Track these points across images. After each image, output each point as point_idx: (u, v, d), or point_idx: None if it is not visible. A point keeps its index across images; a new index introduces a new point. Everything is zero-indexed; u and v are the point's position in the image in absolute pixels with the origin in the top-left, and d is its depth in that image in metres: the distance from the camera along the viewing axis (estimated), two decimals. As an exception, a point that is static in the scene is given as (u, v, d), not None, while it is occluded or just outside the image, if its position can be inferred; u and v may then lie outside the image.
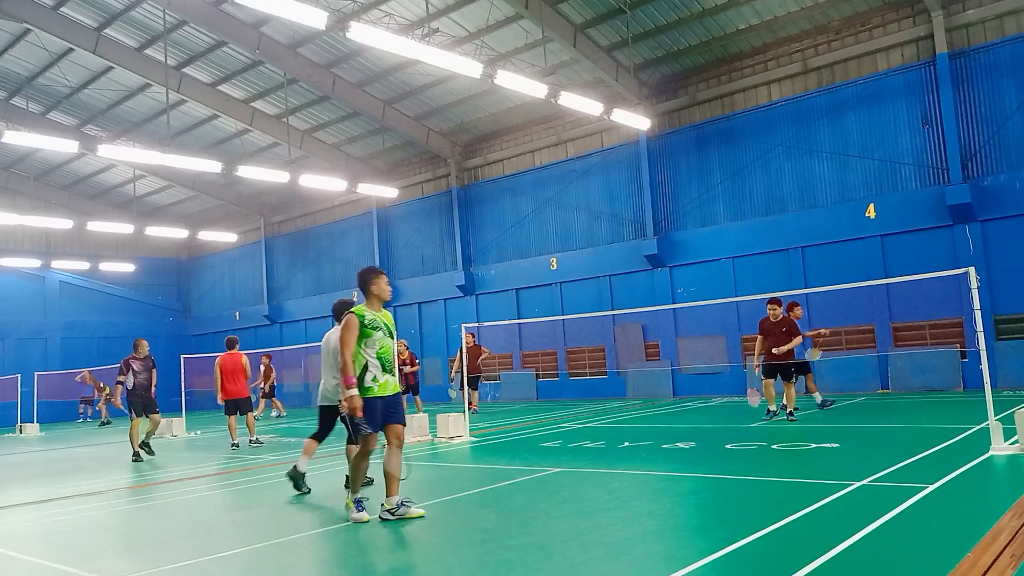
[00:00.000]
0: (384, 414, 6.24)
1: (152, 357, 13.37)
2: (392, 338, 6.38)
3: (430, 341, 26.13)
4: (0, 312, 31.33)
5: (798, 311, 13.03)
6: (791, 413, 11.99)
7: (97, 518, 7.73)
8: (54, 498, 9.00)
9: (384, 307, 6.54)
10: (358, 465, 6.39)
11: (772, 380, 12.30)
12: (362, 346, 6.16)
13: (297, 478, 7.99)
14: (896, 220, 17.50)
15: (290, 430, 17.84)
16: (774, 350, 12.11)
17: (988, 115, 16.59)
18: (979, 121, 16.70)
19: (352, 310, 6.22)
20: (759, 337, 12.47)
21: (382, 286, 6.39)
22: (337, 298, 29.74)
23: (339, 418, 7.68)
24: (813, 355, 13.47)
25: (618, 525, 5.54)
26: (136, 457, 12.49)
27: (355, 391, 6.00)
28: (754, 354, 12.58)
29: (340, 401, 7.48)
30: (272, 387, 23.37)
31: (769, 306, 12.42)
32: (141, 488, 9.49)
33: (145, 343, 13.44)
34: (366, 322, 6.18)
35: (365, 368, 6.17)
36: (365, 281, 6.40)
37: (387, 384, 6.25)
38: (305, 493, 7.91)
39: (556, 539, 5.25)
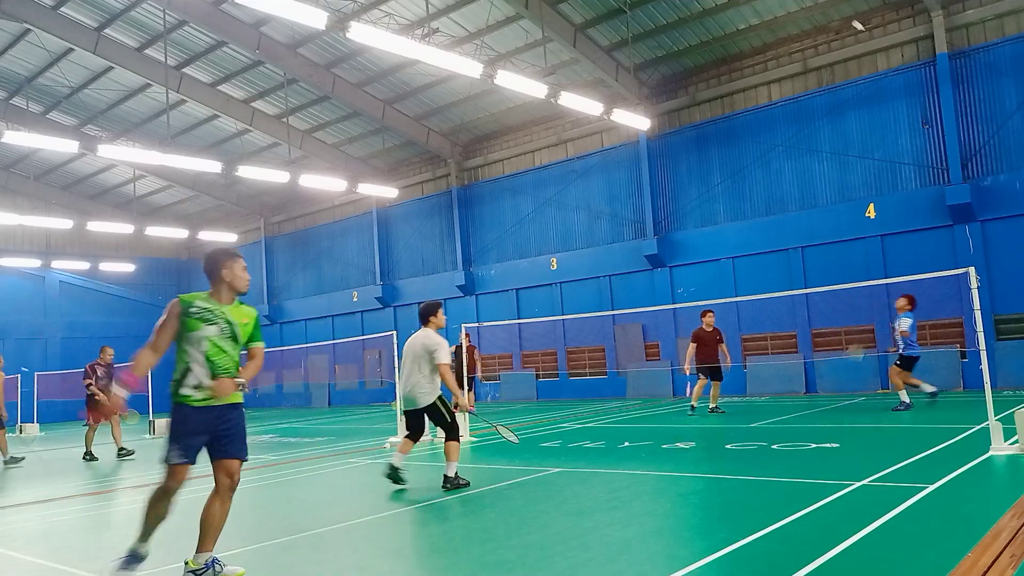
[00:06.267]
0: (212, 438, 4.70)
1: (114, 365, 13.62)
2: (236, 340, 4.81)
3: (430, 341, 26.09)
4: (0, 312, 31.34)
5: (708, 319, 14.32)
6: (715, 408, 13.95)
7: (97, 518, 7.74)
8: (54, 498, 9.00)
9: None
10: (156, 509, 4.81)
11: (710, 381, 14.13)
12: (185, 343, 4.67)
13: (393, 474, 7.92)
14: (896, 220, 17.50)
15: (291, 430, 17.84)
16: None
17: (988, 115, 16.59)
18: (979, 121, 16.70)
19: (181, 295, 4.83)
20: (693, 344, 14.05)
21: (236, 272, 4.88)
22: (337, 298, 29.95)
23: (432, 419, 7.99)
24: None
25: (618, 525, 5.54)
26: (90, 457, 13.03)
27: (123, 392, 4.68)
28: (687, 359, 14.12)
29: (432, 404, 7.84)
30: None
31: (707, 315, 14.21)
32: (141, 488, 9.48)
33: (110, 350, 13.70)
34: (192, 310, 4.68)
35: (187, 371, 4.65)
36: (216, 264, 4.85)
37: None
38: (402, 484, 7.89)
39: (556, 539, 5.25)
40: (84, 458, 13.10)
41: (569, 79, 21.18)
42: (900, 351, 12.77)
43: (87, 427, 13.40)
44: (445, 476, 7.65)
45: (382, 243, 28.65)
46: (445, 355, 7.79)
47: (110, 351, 13.69)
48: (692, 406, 14.11)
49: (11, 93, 24.82)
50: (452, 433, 7.90)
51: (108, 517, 7.78)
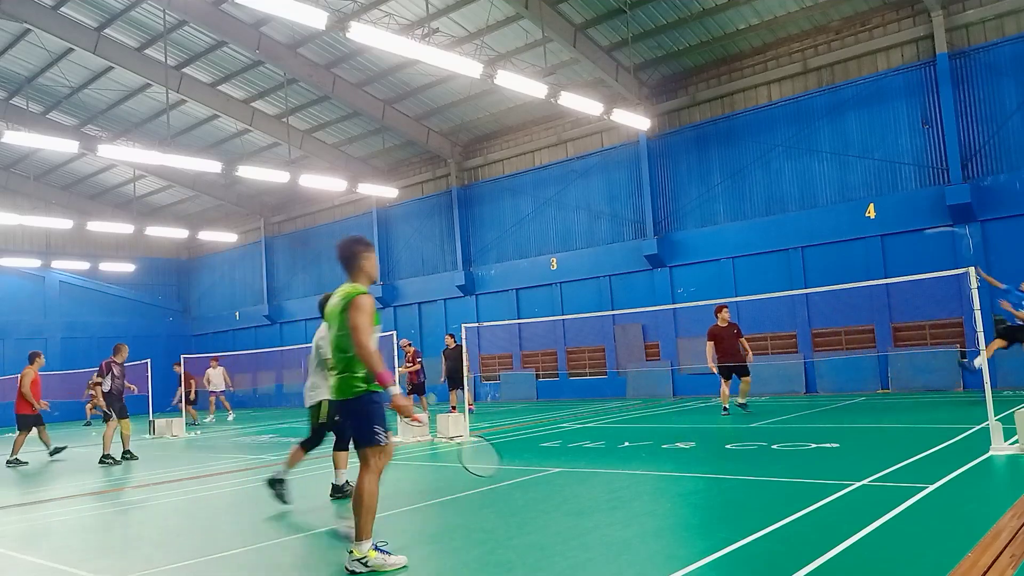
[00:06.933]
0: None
1: (125, 364, 13.35)
2: None
3: (430, 341, 26.12)
4: (0, 312, 31.34)
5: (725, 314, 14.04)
6: (743, 405, 13.65)
7: (96, 518, 7.74)
8: (54, 498, 9.00)
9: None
10: (376, 493, 4.89)
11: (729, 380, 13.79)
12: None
13: (276, 486, 7.18)
14: (896, 220, 17.50)
15: (291, 430, 17.84)
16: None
17: (988, 115, 16.59)
18: (979, 121, 16.70)
19: (359, 290, 4.98)
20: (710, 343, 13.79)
21: (374, 262, 5.20)
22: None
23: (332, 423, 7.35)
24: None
25: (618, 525, 5.54)
26: (109, 460, 12.48)
27: (398, 389, 4.83)
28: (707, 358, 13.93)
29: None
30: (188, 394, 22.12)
31: (721, 311, 13.94)
32: (141, 488, 9.48)
33: (126, 348, 13.42)
34: (376, 306, 5.00)
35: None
36: (354, 255, 5.11)
37: None
38: (285, 502, 7.16)
39: (556, 539, 5.25)
40: (103, 461, 12.49)
41: (569, 79, 21.18)
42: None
43: (100, 423, 13.08)
44: (271, 478, 7.16)
45: (382, 243, 28.64)
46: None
47: (126, 349, 13.38)
48: (724, 407, 13.72)
49: (11, 93, 24.82)
50: (307, 441, 7.43)
51: (108, 517, 7.78)
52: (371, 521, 4.79)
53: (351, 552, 4.75)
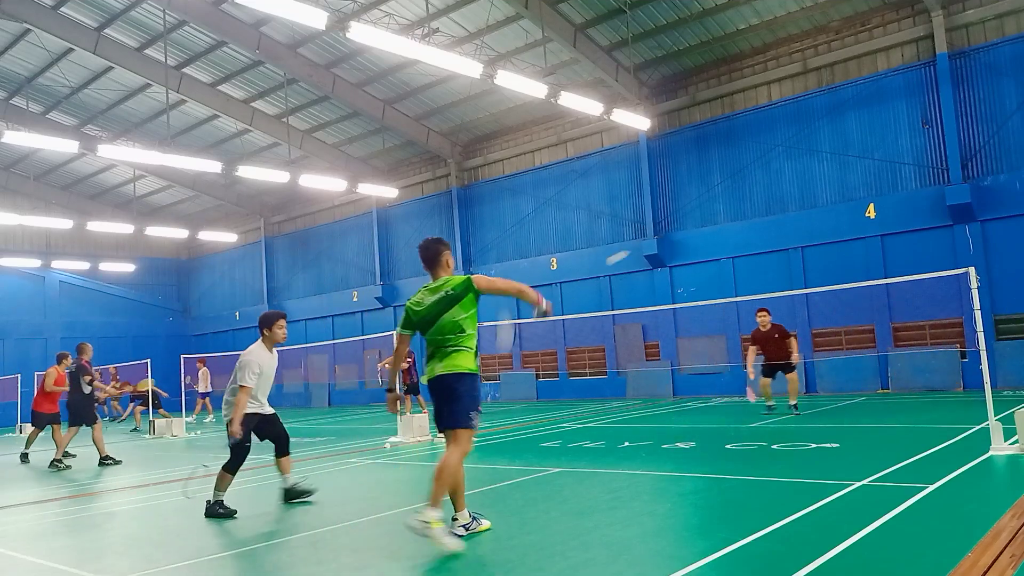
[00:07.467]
0: None
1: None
2: None
3: (430, 341, 26.12)
4: (0, 312, 31.35)
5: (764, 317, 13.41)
6: (795, 406, 13.04)
7: (97, 518, 7.74)
8: (54, 498, 9.00)
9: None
10: (457, 475, 5.31)
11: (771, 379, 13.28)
12: (475, 322, 5.50)
13: (218, 509, 7.03)
14: (896, 220, 17.50)
15: (290, 430, 17.82)
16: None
17: (988, 115, 16.59)
18: (979, 121, 16.70)
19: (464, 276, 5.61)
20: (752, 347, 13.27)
21: (452, 258, 6.00)
22: (337, 298, 29.41)
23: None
24: None
25: (618, 525, 5.54)
26: (109, 461, 12.18)
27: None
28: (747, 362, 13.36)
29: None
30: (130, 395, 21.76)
31: (759, 314, 13.36)
32: (141, 488, 9.48)
33: (90, 347, 13.26)
34: None
35: (477, 346, 5.55)
36: (439, 253, 5.74)
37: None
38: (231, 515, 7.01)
39: (556, 539, 5.25)
40: (103, 462, 12.16)
41: (569, 79, 21.18)
42: None
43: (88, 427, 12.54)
44: (209, 506, 7.03)
45: (382, 243, 28.65)
46: (244, 376, 7.06)
47: (91, 348, 13.20)
48: (768, 404, 13.16)
49: (11, 93, 24.83)
50: (229, 461, 7.16)
51: (109, 517, 7.77)
52: (443, 494, 5.12)
53: (420, 511, 5.04)
